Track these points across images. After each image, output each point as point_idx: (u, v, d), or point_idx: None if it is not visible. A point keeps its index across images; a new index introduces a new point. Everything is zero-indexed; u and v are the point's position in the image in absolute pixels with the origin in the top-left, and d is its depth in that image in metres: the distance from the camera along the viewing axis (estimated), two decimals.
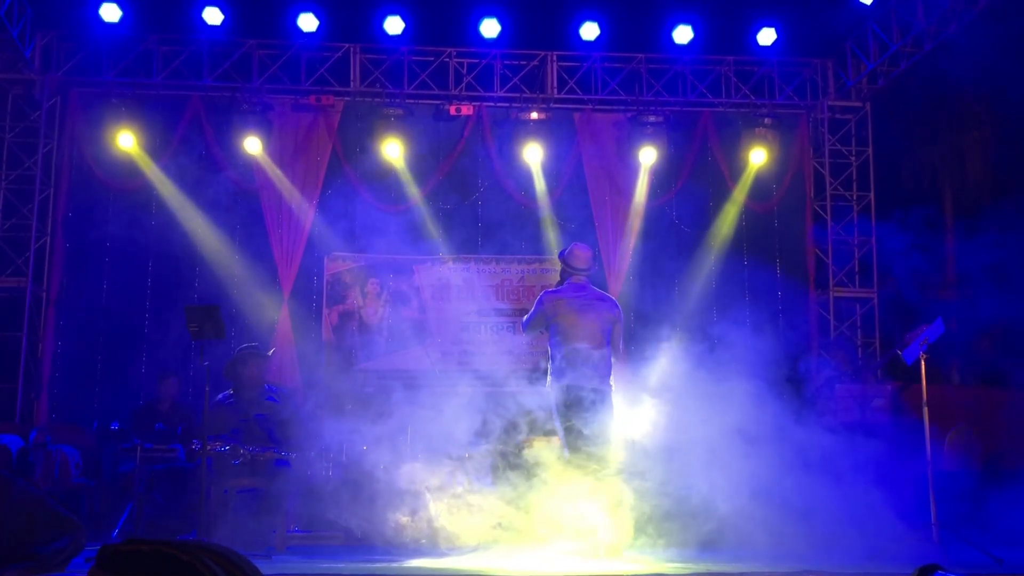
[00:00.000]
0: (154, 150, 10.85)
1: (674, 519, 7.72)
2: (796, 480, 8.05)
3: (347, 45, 11.29)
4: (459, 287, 11.50)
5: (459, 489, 9.37)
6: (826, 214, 11.68)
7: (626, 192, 11.46)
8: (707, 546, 7.81)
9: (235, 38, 11.05)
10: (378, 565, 6.63)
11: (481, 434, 9.84)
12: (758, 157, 11.38)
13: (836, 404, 9.52)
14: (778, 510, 7.95)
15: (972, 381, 9.68)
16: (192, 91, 11.06)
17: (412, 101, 11.32)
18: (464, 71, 11.45)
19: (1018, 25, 9.34)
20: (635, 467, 7.43)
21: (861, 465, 7.94)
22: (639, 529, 7.61)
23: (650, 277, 11.38)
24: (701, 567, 6.21)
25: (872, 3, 10.47)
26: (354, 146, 11.38)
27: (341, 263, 11.41)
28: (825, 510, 7.97)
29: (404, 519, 9.22)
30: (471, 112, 11.29)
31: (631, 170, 11.43)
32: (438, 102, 11.40)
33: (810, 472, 8.23)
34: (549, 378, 7.61)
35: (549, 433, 9.70)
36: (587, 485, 7.17)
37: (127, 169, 10.85)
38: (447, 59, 11.41)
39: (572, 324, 7.42)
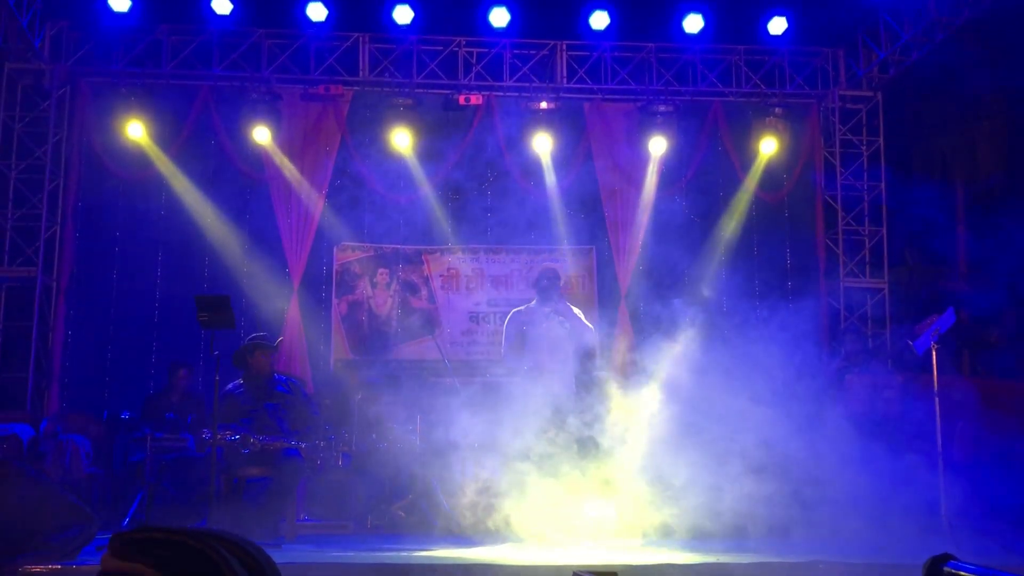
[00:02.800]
0: (164, 140, 10.85)
1: (685, 510, 7.72)
2: (806, 470, 8.04)
3: (356, 34, 11.26)
4: (468, 277, 11.51)
5: (468, 479, 9.38)
6: (836, 204, 11.63)
7: (636, 182, 11.42)
8: (718, 537, 7.81)
9: (244, 28, 11.01)
10: (388, 554, 6.65)
11: (489, 424, 9.86)
12: (768, 147, 11.33)
13: (846, 394, 9.51)
14: (787, 500, 7.95)
15: (984, 371, 9.64)
16: (201, 81, 11.05)
17: (421, 91, 11.29)
18: (473, 60, 11.42)
19: None
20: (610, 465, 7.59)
21: (871, 455, 7.93)
22: (650, 520, 7.60)
23: (659, 267, 11.34)
24: (711, 557, 6.21)
25: None
26: (363, 136, 11.36)
27: (350, 253, 11.42)
28: (835, 500, 7.96)
29: (413, 509, 9.24)
30: (480, 102, 11.26)
31: (641, 160, 11.39)
32: (447, 92, 11.37)
33: (820, 462, 8.22)
34: None
35: (553, 425, 9.75)
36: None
37: (137, 159, 10.85)
38: (456, 48, 11.38)
39: None
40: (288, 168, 11.04)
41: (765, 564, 5.67)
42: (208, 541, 1.54)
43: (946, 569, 1.53)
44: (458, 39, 11.37)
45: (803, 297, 11.16)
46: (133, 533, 1.60)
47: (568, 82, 11.47)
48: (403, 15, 10.84)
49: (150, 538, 1.57)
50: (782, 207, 11.80)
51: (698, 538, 7.53)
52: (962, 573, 1.50)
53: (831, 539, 7.61)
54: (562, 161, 11.42)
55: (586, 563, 5.78)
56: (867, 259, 11.61)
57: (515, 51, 11.45)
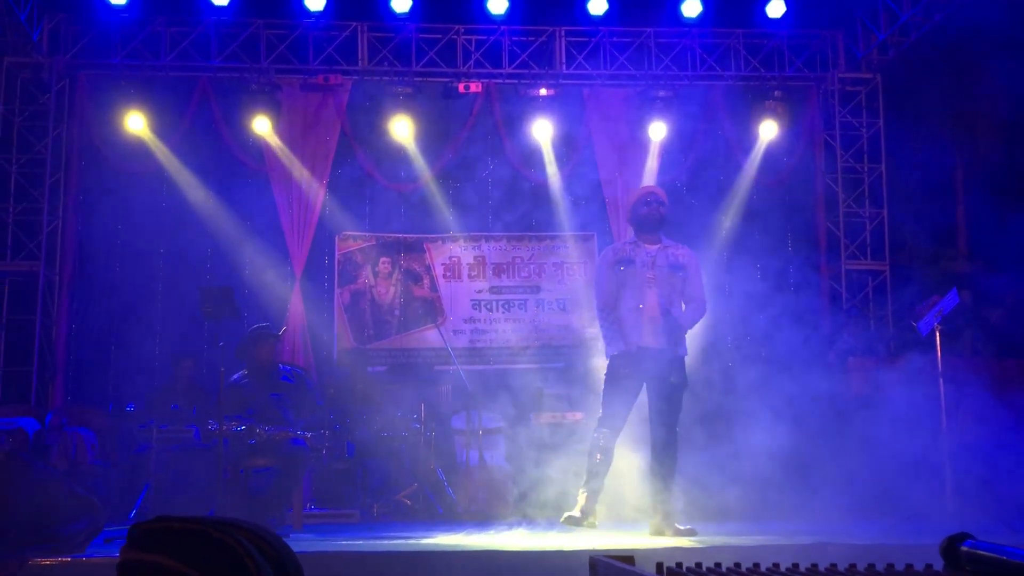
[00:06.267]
0: (164, 132, 10.83)
1: (689, 492, 7.74)
2: (811, 452, 8.07)
3: (354, 23, 11.23)
4: (470, 265, 11.51)
5: (473, 465, 9.41)
6: (837, 186, 11.62)
7: (636, 167, 11.39)
8: (722, 518, 7.83)
9: (242, 18, 11.00)
10: (395, 542, 6.66)
11: (497, 409, 9.91)
12: (768, 130, 11.30)
13: (848, 376, 9.53)
14: (793, 482, 7.98)
15: (987, 352, 9.64)
16: (200, 72, 11.02)
17: (420, 79, 11.26)
18: (472, 48, 11.40)
19: None
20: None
21: (876, 437, 7.95)
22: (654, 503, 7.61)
23: None
24: (718, 540, 6.22)
25: None
26: (363, 125, 11.34)
27: (352, 242, 11.42)
28: (840, 482, 7.98)
29: (418, 496, 9.28)
30: (480, 89, 11.23)
31: (641, 145, 11.37)
32: (446, 80, 11.33)
33: (825, 445, 8.25)
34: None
35: (552, 409, 9.76)
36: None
37: (137, 151, 10.83)
38: (455, 36, 11.36)
39: None
40: (288, 158, 11.02)
41: (774, 546, 5.68)
42: (228, 530, 1.55)
43: (964, 548, 1.55)
44: (456, 27, 11.34)
45: (804, 280, 11.17)
46: (152, 524, 1.61)
47: (567, 68, 11.45)
48: (401, 3, 10.81)
49: (169, 528, 1.58)
50: (782, 190, 11.78)
51: (704, 521, 7.54)
52: (980, 551, 1.51)
53: (837, 521, 7.64)
54: (562, 147, 11.41)
55: (601, 546, 5.79)
56: (868, 241, 11.60)
57: (514, 38, 11.43)
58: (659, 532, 6.63)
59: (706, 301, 7.04)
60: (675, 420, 6.79)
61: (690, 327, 6.89)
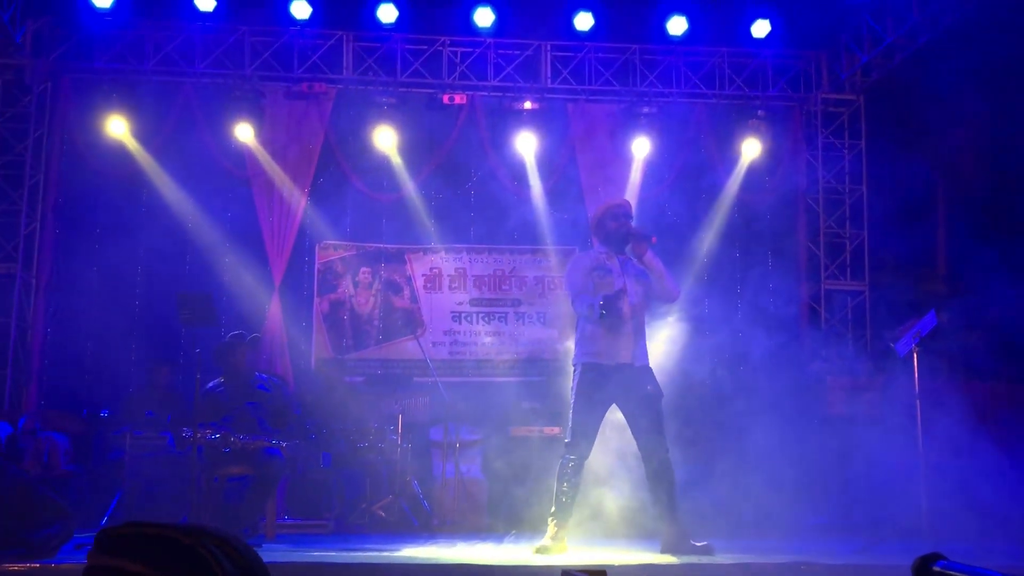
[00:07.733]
0: (145, 137, 10.77)
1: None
2: (788, 471, 8.08)
3: (340, 32, 11.22)
4: (451, 276, 11.50)
5: (449, 478, 9.39)
6: (818, 207, 11.68)
7: (619, 183, 11.41)
8: (698, 537, 7.82)
9: (227, 25, 10.96)
10: (369, 554, 6.63)
11: (475, 422, 9.89)
12: (751, 149, 11.35)
13: (827, 396, 9.56)
14: (770, 501, 7.98)
15: (965, 374, 9.69)
16: (184, 78, 10.98)
17: (405, 90, 11.25)
18: (457, 60, 11.40)
19: (1011, 18, 9.33)
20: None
21: (852, 456, 7.97)
22: (634, 520, 7.61)
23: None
24: (693, 558, 6.21)
25: None
26: (346, 134, 11.32)
27: (333, 251, 11.39)
28: (817, 501, 7.99)
29: (393, 508, 9.24)
30: (464, 101, 11.23)
31: (624, 161, 11.39)
32: (431, 91, 11.33)
33: (802, 463, 8.26)
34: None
35: (529, 422, 9.73)
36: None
37: (118, 155, 10.77)
38: (440, 48, 11.36)
39: None
40: (271, 166, 10.99)
41: (748, 564, 5.68)
42: (197, 537, 1.52)
43: (936, 568, 1.54)
44: (442, 38, 11.35)
45: (784, 299, 11.19)
46: (120, 529, 1.59)
47: (552, 82, 11.46)
48: (387, 14, 10.81)
49: (139, 534, 1.55)
50: (764, 209, 11.82)
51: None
52: (952, 572, 1.50)
53: (812, 540, 7.65)
54: (546, 161, 11.41)
55: (574, 562, 5.78)
56: (848, 261, 11.67)
57: (499, 51, 11.44)
58: (673, 550, 6.48)
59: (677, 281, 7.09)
60: (663, 431, 6.66)
61: (670, 279, 6.89)
